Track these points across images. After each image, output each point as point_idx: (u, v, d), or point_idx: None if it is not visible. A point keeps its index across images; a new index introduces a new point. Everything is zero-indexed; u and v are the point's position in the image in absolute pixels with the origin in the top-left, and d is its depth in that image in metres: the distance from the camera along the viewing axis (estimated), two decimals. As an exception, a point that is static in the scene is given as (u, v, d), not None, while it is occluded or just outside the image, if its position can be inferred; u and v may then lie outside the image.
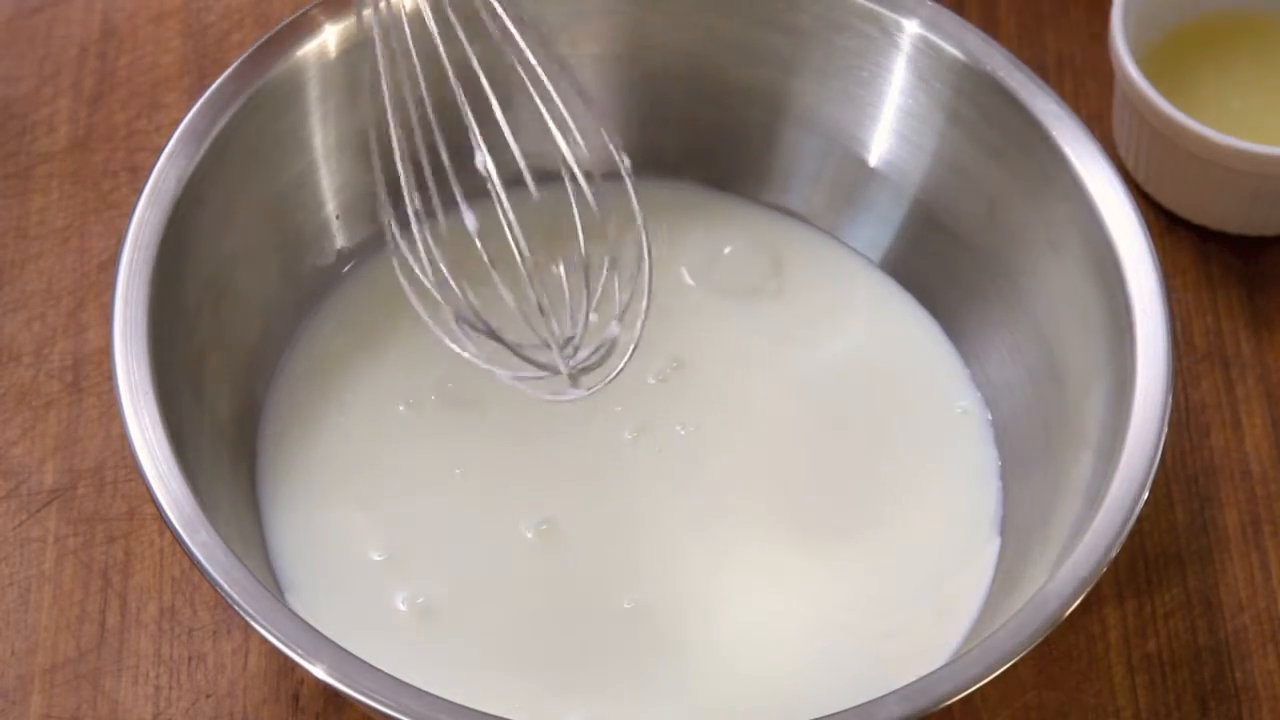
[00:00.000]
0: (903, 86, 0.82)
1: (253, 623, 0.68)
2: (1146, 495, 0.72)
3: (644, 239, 0.75)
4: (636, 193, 0.75)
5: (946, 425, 0.81)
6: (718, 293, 0.83)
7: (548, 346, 0.73)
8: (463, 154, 0.74)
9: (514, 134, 0.74)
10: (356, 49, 0.79)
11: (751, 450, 0.80)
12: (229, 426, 0.78)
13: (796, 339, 0.83)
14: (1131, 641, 0.80)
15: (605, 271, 0.74)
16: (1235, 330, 0.87)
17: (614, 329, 0.75)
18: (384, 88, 0.73)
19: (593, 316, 0.74)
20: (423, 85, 0.74)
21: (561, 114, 0.74)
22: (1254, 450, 0.84)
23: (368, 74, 0.74)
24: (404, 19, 0.74)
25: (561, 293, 0.75)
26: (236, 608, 0.68)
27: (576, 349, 0.74)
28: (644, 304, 0.75)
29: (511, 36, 0.74)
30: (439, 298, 0.74)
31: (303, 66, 0.79)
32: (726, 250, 0.84)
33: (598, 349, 0.75)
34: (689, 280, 0.84)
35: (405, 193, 0.73)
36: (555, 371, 0.74)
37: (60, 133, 0.89)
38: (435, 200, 0.73)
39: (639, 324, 0.75)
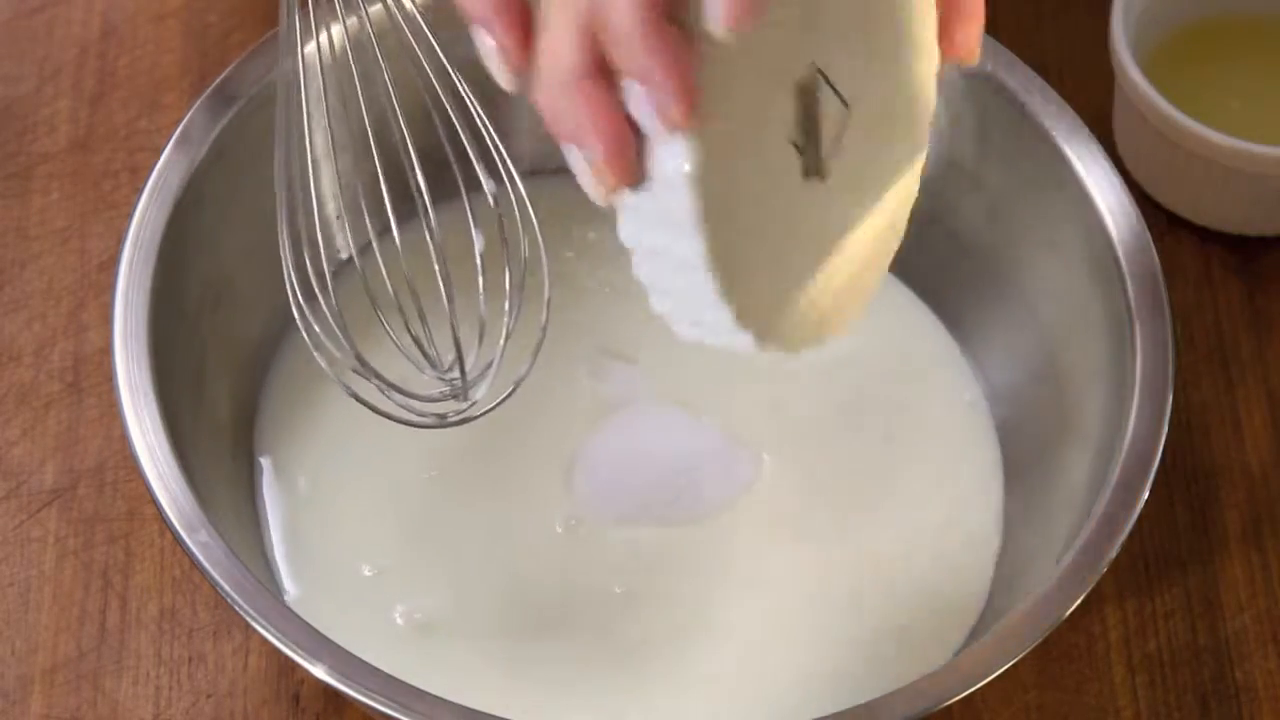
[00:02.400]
0: (903, 86, 0.82)
1: (253, 623, 0.68)
2: (1146, 495, 0.72)
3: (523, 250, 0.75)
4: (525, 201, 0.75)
5: (950, 421, 0.81)
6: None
7: (436, 375, 0.74)
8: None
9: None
10: (357, 49, 0.79)
11: (752, 443, 0.80)
12: (229, 426, 0.78)
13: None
14: (1132, 641, 0.80)
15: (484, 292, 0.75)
16: (1235, 330, 0.87)
17: (494, 352, 0.75)
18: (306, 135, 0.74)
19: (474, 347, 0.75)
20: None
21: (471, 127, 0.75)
22: (1254, 450, 0.84)
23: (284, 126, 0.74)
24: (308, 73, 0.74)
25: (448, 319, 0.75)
26: (236, 608, 0.68)
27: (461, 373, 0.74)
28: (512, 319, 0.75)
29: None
30: (335, 351, 0.73)
31: (303, 67, 0.79)
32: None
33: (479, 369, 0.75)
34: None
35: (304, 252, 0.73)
36: (442, 397, 0.74)
37: (60, 133, 0.89)
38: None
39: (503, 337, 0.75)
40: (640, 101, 0.60)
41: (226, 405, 0.78)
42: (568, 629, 0.76)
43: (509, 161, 0.75)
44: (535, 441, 0.80)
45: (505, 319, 0.75)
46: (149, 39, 0.92)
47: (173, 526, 0.70)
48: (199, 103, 0.77)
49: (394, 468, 0.79)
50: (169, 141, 0.76)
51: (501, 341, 0.74)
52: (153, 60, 0.91)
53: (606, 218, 0.84)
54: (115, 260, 0.74)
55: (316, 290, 0.73)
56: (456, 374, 0.74)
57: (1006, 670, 0.69)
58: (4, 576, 0.80)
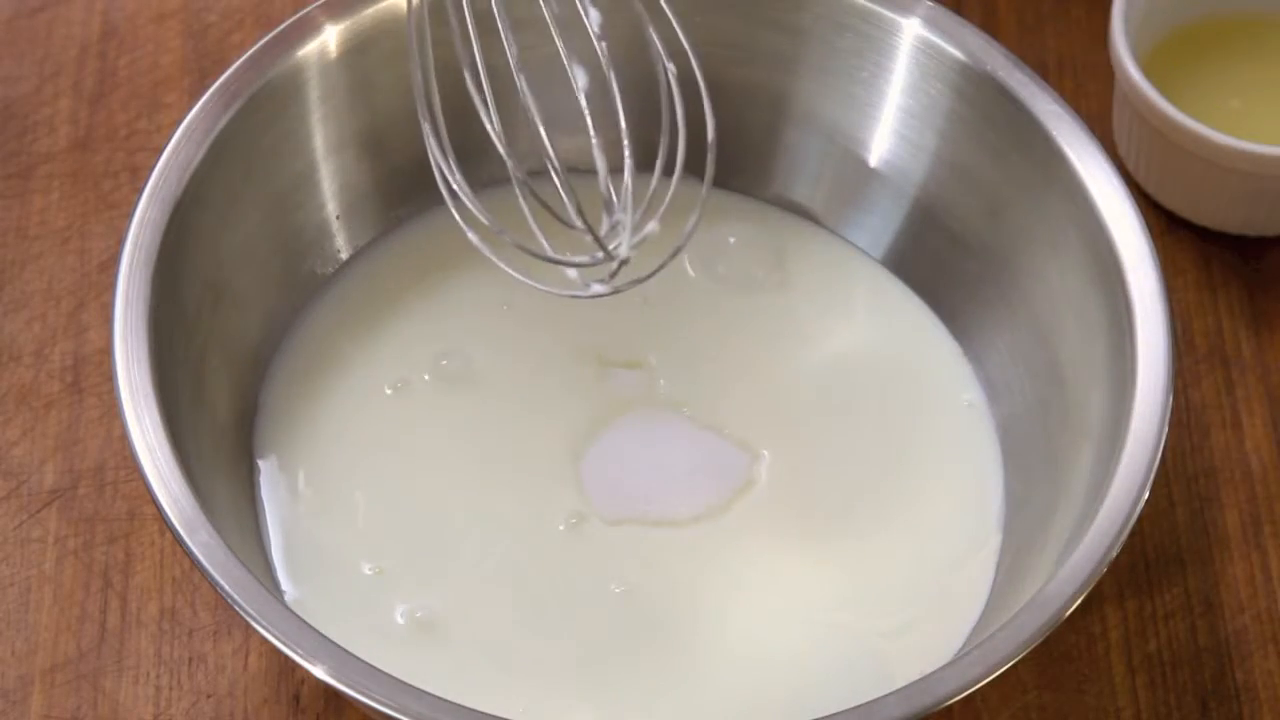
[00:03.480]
0: (903, 86, 0.82)
1: (253, 623, 0.68)
2: (1146, 495, 0.72)
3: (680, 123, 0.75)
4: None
5: (951, 420, 0.81)
6: (720, 284, 0.84)
7: (590, 240, 0.74)
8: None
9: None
10: (357, 49, 0.80)
11: (752, 443, 0.80)
12: (229, 426, 0.78)
13: (799, 331, 0.83)
14: (1132, 642, 0.80)
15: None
16: (1236, 330, 0.87)
17: (652, 226, 0.75)
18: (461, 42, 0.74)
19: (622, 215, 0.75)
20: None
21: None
22: (1254, 450, 0.84)
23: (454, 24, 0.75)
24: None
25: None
26: (236, 608, 0.68)
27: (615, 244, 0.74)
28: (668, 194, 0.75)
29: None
30: (493, 228, 0.74)
31: (303, 67, 0.79)
32: (730, 241, 0.84)
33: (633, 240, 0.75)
34: (691, 272, 0.84)
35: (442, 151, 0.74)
36: (596, 261, 0.75)
37: (61, 133, 0.89)
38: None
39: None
40: None
41: (226, 405, 0.78)
42: (568, 629, 0.76)
43: None
44: (537, 442, 0.80)
45: (663, 143, 0.74)
46: (149, 39, 0.92)
47: (173, 526, 0.70)
48: (199, 103, 0.77)
49: (394, 467, 0.79)
50: (169, 141, 0.76)
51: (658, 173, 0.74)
52: (153, 60, 0.91)
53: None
54: (115, 260, 0.74)
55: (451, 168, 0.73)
56: (605, 230, 0.74)
57: (1006, 670, 0.69)
58: (4, 576, 0.80)
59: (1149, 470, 0.72)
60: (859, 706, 0.68)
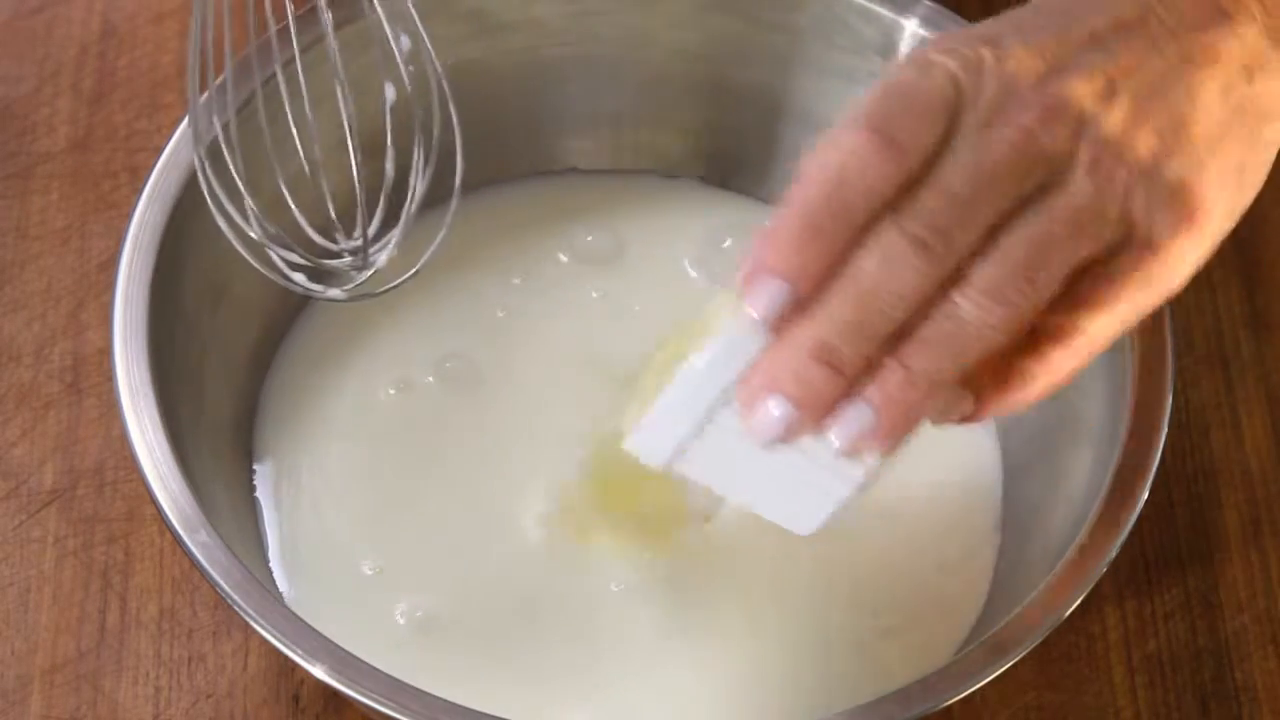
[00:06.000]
0: (903, 87, 0.82)
1: (253, 623, 0.68)
2: (1146, 495, 0.72)
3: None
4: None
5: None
6: (719, 285, 0.83)
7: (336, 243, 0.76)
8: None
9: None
10: (356, 49, 0.79)
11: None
12: (229, 426, 0.78)
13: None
14: (1131, 641, 0.80)
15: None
16: (1235, 331, 0.87)
17: (393, 248, 0.76)
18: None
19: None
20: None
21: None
22: (1254, 450, 0.84)
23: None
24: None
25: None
26: (236, 608, 0.68)
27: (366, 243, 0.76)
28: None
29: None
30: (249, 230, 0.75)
31: (303, 66, 0.79)
32: (727, 243, 0.84)
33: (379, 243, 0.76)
34: (690, 272, 0.84)
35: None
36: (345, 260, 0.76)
37: (60, 133, 0.89)
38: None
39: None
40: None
41: (226, 405, 0.78)
42: (567, 628, 0.76)
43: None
44: (537, 443, 0.80)
45: (413, 177, 0.75)
46: (149, 39, 0.92)
47: (172, 526, 0.70)
48: (199, 103, 0.77)
49: (394, 466, 0.79)
50: (169, 141, 0.77)
51: (409, 204, 0.74)
52: (153, 60, 0.91)
53: (605, 220, 0.84)
54: (115, 260, 0.74)
55: (223, 145, 0.74)
56: (358, 241, 0.74)
57: (1006, 670, 0.69)
58: (4, 576, 0.80)
59: (1148, 470, 0.72)
60: (859, 706, 0.68)
